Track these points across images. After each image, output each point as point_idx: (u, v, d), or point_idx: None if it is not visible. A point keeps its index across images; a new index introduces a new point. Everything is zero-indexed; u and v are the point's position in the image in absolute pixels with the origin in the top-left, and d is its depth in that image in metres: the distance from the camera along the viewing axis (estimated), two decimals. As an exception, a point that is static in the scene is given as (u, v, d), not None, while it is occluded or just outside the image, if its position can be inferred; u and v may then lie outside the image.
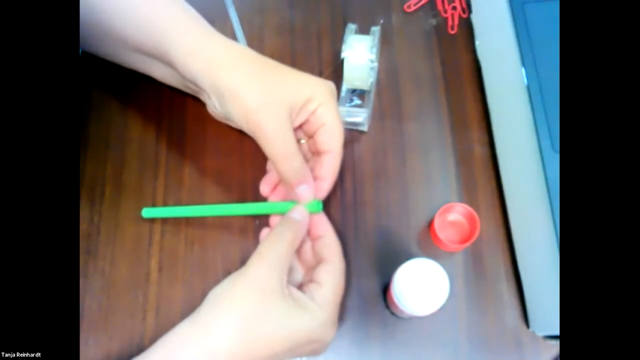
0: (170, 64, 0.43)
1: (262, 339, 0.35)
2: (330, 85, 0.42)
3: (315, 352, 0.39)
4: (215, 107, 0.42)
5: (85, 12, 0.43)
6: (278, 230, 0.39)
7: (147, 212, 0.49)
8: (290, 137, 0.39)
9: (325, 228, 0.42)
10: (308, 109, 0.41)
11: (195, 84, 0.42)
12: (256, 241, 0.45)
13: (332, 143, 0.42)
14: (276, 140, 0.39)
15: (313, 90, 0.41)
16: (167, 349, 0.35)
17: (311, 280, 0.40)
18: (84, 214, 0.49)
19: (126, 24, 0.43)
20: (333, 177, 0.43)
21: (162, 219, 0.49)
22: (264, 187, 0.45)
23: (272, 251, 0.38)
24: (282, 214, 0.44)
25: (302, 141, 0.45)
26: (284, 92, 0.39)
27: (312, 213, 0.42)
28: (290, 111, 0.40)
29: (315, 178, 0.43)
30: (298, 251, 0.43)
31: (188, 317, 0.37)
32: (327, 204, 0.49)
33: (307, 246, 0.43)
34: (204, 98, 0.43)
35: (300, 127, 0.43)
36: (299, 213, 0.41)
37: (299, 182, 0.41)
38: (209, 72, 0.40)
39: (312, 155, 0.45)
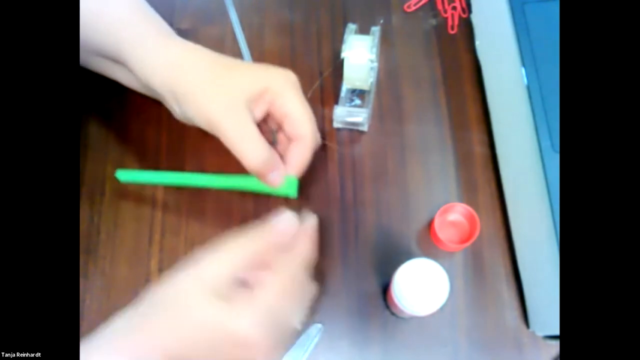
0: (129, 70, 0.43)
1: (191, 338, 0.32)
2: (288, 75, 0.42)
3: None
4: (176, 112, 0.42)
5: None
6: (252, 234, 0.35)
7: (122, 175, 0.48)
8: (251, 132, 0.40)
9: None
10: (265, 100, 0.41)
11: (154, 91, 0.42)
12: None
13: (297, 132, 0.42)
14: (237, 138, 0.40)
15: (269, 81, 0.41)
16: (104, 350, 0.33)
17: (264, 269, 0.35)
18: (84, 213, 0.49)
19: (87, 30, 0.42)
20: (302, 162, 0.43)
21: (162, 219, 0.49)
22: None
23: (230, 254, 0.34)
24: (264, 191, 0.44)
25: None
26: (239, 87, 0.40)
27: (288, 197, 0.44)
28: (248, 105, 0.40)
29: (286, 164, 0.43)
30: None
31: (127, 312, 0.34)
32: (327, 204, 0.49)
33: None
34: (165, 104, 0.43)
35: (267, 119, 0.43)
36: (285, 223, 0.36)
37: (267, 172, 0.41)
38: (165, 79, 0.40)
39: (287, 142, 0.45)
